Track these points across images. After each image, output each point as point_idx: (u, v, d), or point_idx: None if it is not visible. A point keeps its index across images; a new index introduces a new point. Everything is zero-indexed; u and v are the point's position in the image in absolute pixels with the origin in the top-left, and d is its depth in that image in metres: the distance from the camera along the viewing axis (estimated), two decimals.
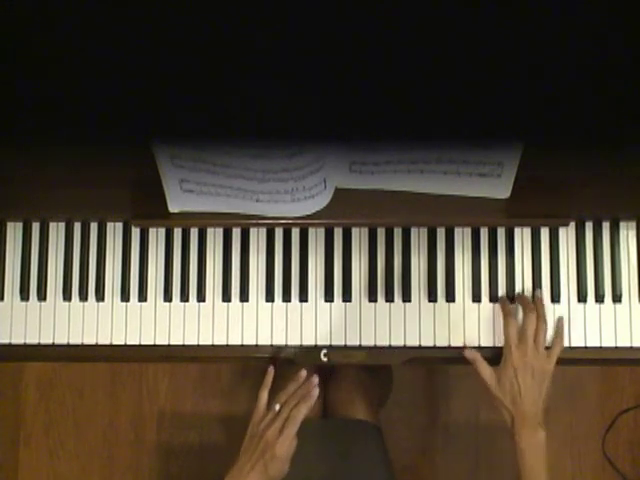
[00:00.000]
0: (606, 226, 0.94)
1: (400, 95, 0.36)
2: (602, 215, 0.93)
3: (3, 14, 0.32)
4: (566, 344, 0.92)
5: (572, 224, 0.93)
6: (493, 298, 0.93)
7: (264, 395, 0.88)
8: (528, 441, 0.85)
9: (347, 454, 1.03)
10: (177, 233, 0.96)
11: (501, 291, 0.94)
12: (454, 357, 0.93)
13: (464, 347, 0.90)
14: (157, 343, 0.95)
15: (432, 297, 0.93)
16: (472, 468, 1.58)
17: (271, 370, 0.90)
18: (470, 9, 0.32)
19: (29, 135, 0.40)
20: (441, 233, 0.95)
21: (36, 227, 0.97)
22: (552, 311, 0.93)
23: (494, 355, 0.92)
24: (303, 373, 0.88)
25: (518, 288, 0.94)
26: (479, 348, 0.93)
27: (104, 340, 0.95)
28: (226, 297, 0.95)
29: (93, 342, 0.95)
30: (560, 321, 0.92)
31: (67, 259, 0.96)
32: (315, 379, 0.86)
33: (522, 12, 0.32)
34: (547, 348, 0.89)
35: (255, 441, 0.85)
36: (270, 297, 0.95)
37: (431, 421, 1.53)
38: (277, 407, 0.86)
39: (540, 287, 0.93)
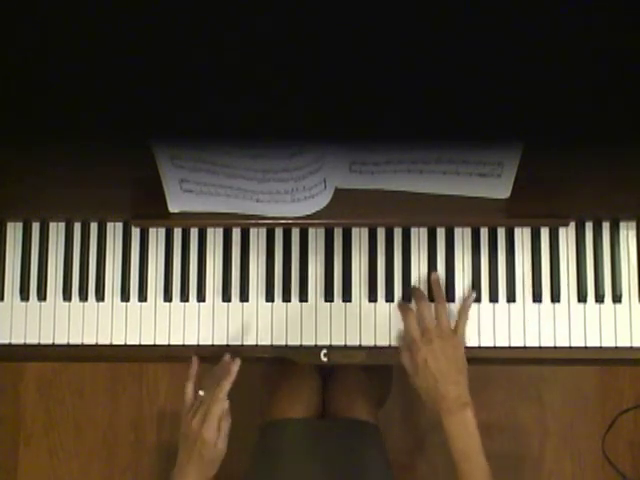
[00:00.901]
0: (606, 226, 0.94)
1: (400, 95, 0.36)
2: (602, 215, 0.93)
3: (3, 14, 0.32)
4: (566, 344, 0.92)
5: (572, 224, 0.93)
6: (493, 298, 0.93)
7: (189, 388, 0.89)
8: (456, 425, 0.82)
9: (347, 454, 1.03)
10: (177, 233, 0.96)
11: (501, 291, 0.94)
12: None
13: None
14: (157, 343, 0.95)
15: (432, 297, 0.93)
16: None
17: (195, 361, 0.91)
18: (470, 9, 0.32)
19: (29, 135, 0.40)
20: (441, 233, 0.95)
21: (36, 227, 0.97)
22: (552, 311, 0.93)
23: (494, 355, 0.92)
24: (226, 357, 0.90)
25: (518, 288, 0.94)
26: (479, 348, 0.93)
27: (104, 340, 0.95)
28: (226, 297, 0.95)
29: (93, 342, 0.95)
30: (470, 293, 0.91)
31: (67, 259, 0.96)
32: (237, 360, 0.88)
33: (522, 12, 0.32)
34: None
35: (186, 434, 0.86)
36: (270, 297, 0.95)
37: (430, 421, 1.53)
38: (201, 392, 0.87)
39: (540, 286, 0.93)
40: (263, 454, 1.05)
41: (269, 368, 1.24)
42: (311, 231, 0.95)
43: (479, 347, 0.93)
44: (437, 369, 0.84)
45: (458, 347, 0.86)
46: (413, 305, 0.92)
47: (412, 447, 1.55)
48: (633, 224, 0.94)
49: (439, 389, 0.84)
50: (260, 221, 0.90)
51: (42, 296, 0.96)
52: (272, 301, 0.95)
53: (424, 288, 0.93)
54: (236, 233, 0.96)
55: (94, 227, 0.97)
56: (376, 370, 1.25)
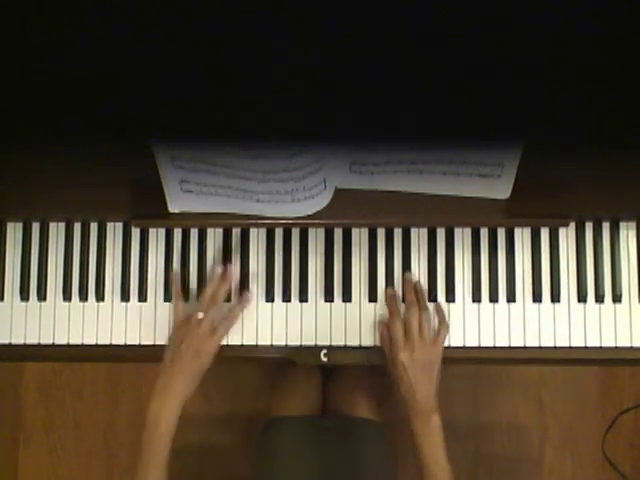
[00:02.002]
0: (606, 226, 0.94)
1: (400, 96, 0.36)
2: (602, 215, 0.93)
3: (5, 15, 0.32)
4: (566, 344, 0.92)
5: (572, 224, 0.93)
6: (493, 298, 0.93)
7: (180, 304, 0.92)
8: (423, 429, 0.86)
9: (348, 451, 1.03)
10: (177, 233, 0.96)
11: (501, 291, 0.94)
12: (454, 357, 0.93)
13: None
14: (157, 343, 0.95)
15: (432, 297, 0.93)
16: (472, 468, 1.58)
17: (177, 274, 0.93)
18: (470, 10, 0.32)
19: (29, 135, 0.40)
20: (441, 233, 0.95)
21: (36, 227, 0.97)
22: (552, 311, 0.93)
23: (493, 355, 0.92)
24: (218, 269, 0.92)
25: (518, 288, 0.94)
26: (479, 348, 0.93)
27: (104, 340, 0.95)
28: (226, 297, 0.95)
29: (93, 342, 0.95)
30: (437, 306, 0.93)
31: (67, 259, 0.96)
32: (230, 269, 0.92)
33: (522, 13, 0.32)
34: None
35: (182, 347, 0.87)
36: (270, 297, 0.95)
37: None
38: (200, 315, 0.89)
39: (540, 286, 0.93)
40: (265, 452, 1.05)
41: (270, 367, 1.24)
42: (311, 231, 0.95)
43: (479, 347, 0.93)
44: (412, 375, 0.86)
45: (435, 359, 0.88)
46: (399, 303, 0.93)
47: (412, 447, 1.55)
48: (633, 224, 0.94)
49: (410, 393, 0.86)
50: (260, 221, 0.90)
51: (42, 296, 0.96)
52: (272, 301, 0.95)
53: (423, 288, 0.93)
54: (236, 233, 0.96)
55: (94, 227, 0.97)
56: (376, 368, 1.25)
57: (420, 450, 0.86)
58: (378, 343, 0.93)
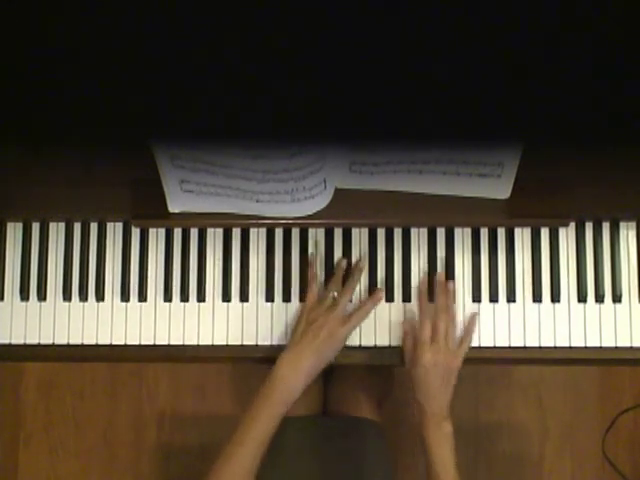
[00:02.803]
0: (606, 226, 0.94)
1: (400, 95, 0.36)
2: (602, 215, 0.93)
3: (4, 14, 0.32)
4: (566, 344, 0.92)
5: (572, 224, 0.93)
6: (493, 298, 0.93)
7: (314, 286, 0.91)
8: (434, 436, 0.85)
9: (348, 451, 1.03)
10: (177, 233, 0.96)
11: (501, 291, 0.94)
12: None
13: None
14: (157, 343, 0.95)
15: (432, 297, 0.93)
16: (472, 468, 1.58)
17: (312, 256, 0.94)
18: (469, 9, 0.32)
19: (29, 135, 0.40)
20: (441, 233, 0.95)
21: (36, 227, 0.97)
22: (552, 311, 0.93)
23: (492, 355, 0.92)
24: (343, 263, 0.93)
25: (518, 288, 0.94)
26: (479, 348, 0.93)
27: (104, 340, 0.95)
28: (226, 297, 0.95)
29: (93, 342, 0.95)
30: (472, 318, 0.92)
31: (67, 259, 0.96)
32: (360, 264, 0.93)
33: (521, 12, 0.32)
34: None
35: (315, 326, 0.87)
36: (270, 297, 0.95)
37: None
38: (335, 294, 0.90)
39: (540, 286, 0.93)
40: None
41: (270, 367, 1.23)
42: (311, 231, 0.95)
43: (479, 347, 0.93)
44: (432, 380, 0.86)
45: (454, 370, 0.88)
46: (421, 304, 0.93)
47: (412, 447, 1.55)
48: (633, 224, 0.94)
49: (427, 398, 0.86)
50: (260, 221, 0.90)
51: (42, 296, 0.96)
52: (272, 301, 0.95)
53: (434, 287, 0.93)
54: (236, 233, 0.96)
55: (94, 227, 0.97)
56: (377, 368, 1.25)
57: (429, 457, 0.85)
58: (378, 343, 0.93)
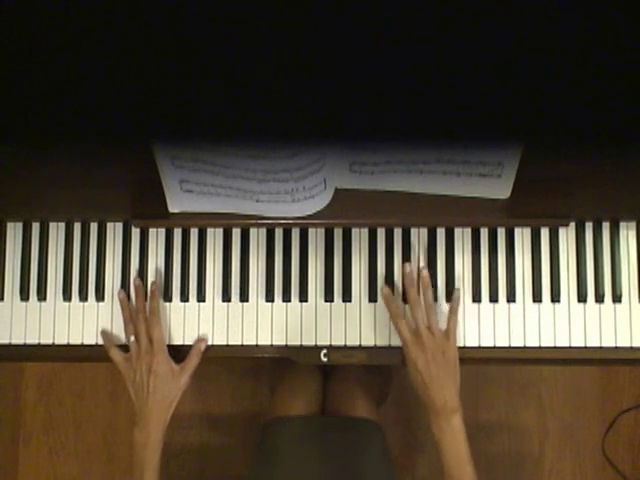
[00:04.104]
0: (606, 226, 0.94)
1: (400, 95, 0.36)
2: (602, 215, 0.93)
3: (5, 14, 0.32)
4: (566, 344, 0.92)
5: (572, 224, 0.93)
6: (493, 298, 0.93)
7: (116, 352, 0.92)
8: (443, 430, 0.84)
9: (347, 451, 1.03)
10: (177, 233, 0.96)
11: (501, 291, 0.94)
12: None
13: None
14: None
15: (432, 297, 0.93)
16: None
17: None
18: (469, 10, 0.32)
19: (29, 135, 0.40)
20: (441, 233, 0.95)
21: (36, 227, 0.97)
22: (552, 311, 0.93)
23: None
24: (121, 295, 0.93)
25: (518, 288, 0.94)
26: (479, 348, 0.93)
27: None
28: (226, 297, 0.95)
29: (93, 342, 0.95)
30: (455, 295, 0.90)
31: (67, 259, 0.96)
32: (137, 281, 0.94)
33: (521, 12, 0.32)
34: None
35: (136, 379, 0.90)
36: (270, 297, 0.95)
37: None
38: (132, 338, 0.91)
39: (540, 286, 0.93)
40: (264, 451, 1.05)
41: (270, 367, 1.23)
42: (311, 231, 0.95)
43: (479, 347, 0.93)
44: (427, 373, 0.85)
45: (449, 352, 0.86)
46: (399, 302, 0.92)
47: (412, 447, 1.55)
48: (633, 224, 0.94)
49: (428, 393, 0.85)
50: (260, 221, 0.90)
51: (42, 296, 0.96)
52: (272, 301, 0.95)
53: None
54: (236, 233, 0.96)
55: (94, 227, 0.97)
56: (376, 369, 1.25)
57: (441, 452, 0.84)
58: (378, 343, 0.93)
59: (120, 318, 0.94)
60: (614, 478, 1.52)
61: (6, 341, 0.95)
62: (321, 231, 0.95)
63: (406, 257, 0.94)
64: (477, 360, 0.94)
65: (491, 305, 0.94)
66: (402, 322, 0.88)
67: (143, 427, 0.88)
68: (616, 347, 0.92)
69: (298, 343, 0.94)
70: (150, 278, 0.96)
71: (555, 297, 0.93)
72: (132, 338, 0.91)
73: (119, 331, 0.95)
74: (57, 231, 0.97)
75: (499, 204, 0.89)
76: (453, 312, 0.89)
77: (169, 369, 0.90)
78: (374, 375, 1.22)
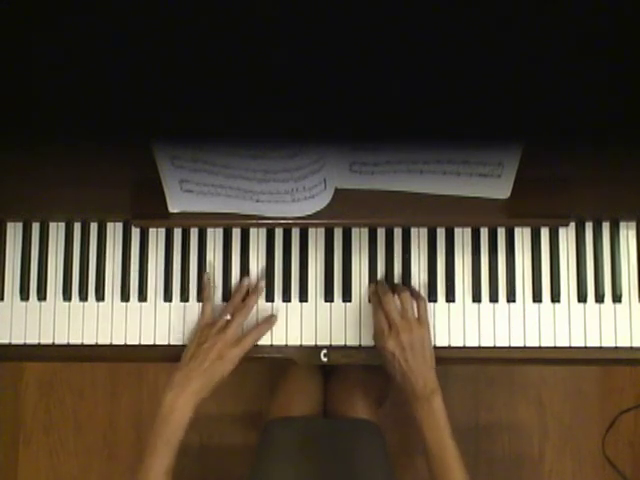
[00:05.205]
0: (606, 226, 0.94)
1: (400, 96, 0.36)
2: (602, 215, 0.93)
3: (4, 15, 0.32)
4: (566, 344, 0.92)
5: (572, 224, 0.93)
6: (493, 298, 0.93)
7: (209, 306, 0.93)
8: (424, 414, 0.85)
9: (347, 452, 1.03)
10: (177, 233, 0.96)
11: (501, 291, 0.94)
12: (454, 357, 0.93)
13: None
14: (157, 343, 0.95)
15: (432, 297, 0.93)
16: (472, 468, 1.58)
17: (208, 277, 0.94)
18: (469, 10, 0.32)
19: (29, 135, 0.40)
20: (441, 233, 0.95)
21: (36, 227, 0.97)
22: (552, 311, 0.93)
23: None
24: (245, 282, 0.94)
25: (518, 288, 0.94)
26: (479, 348, 0.93)
27: (104, 340, 0.95)
28: (226, 297, 0.95)
29: (93, 342, 0.95)
30: (412, 287, 0.93)
31: (67, 259, 0.96)
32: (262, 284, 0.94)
33: (522, 13, 0.32)
34: None
35: (205, 347, 0.88)
36: (270, 297, 0.95)
37: None
38: (228, 316, 0.91)
39: (540, 286, 0.93)
40: (264, 452, 1.05)
41: (270, 367, 1.23)
42: (311, 231, 0.95)
43: (479, 347, 0.93)
44: (403, 360, 0.86)
45: (424, 337, 0.87)
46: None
47: (412, 447, 1.55)
48: (633, 224, 0.94)
49: (406, 380, 0.86)
50: (260, 221, 0.90)
51: (42, 296, 0.96)
52: (272, 301, 0.95)
53: (419, 286, 0.93)
54: (236, 233, 0.96)
55: (94, 227, 0.97)
56: (376, 369, 1.25)
57: (423, 436, 0.85)
58: None
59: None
60: (614, 478, 1.52)
61: (6, 341, 0.96)
62: (321, 231, 0.95)
63: (406, 257, 0.94)
64: (477, 360, 0.94)
65: (491, 305, 0.94)
66: (380, 313, 0.89)
67: (178, 394, 0.86)
68: (616, 347, 0.92)
69: (298, 343, 0.94)
70: (150, 278, 0.96)
71: (555, 297, 0.93)
72: (228, 316, 0.91)
73: (120, 331, 0.95)
74: (57, 231, 0.97)
75: (499, 204, 0.89)
76: (418, 296, 0.91)
77: (230, 369, 0.89)
78: (374, 375, 1.22)
